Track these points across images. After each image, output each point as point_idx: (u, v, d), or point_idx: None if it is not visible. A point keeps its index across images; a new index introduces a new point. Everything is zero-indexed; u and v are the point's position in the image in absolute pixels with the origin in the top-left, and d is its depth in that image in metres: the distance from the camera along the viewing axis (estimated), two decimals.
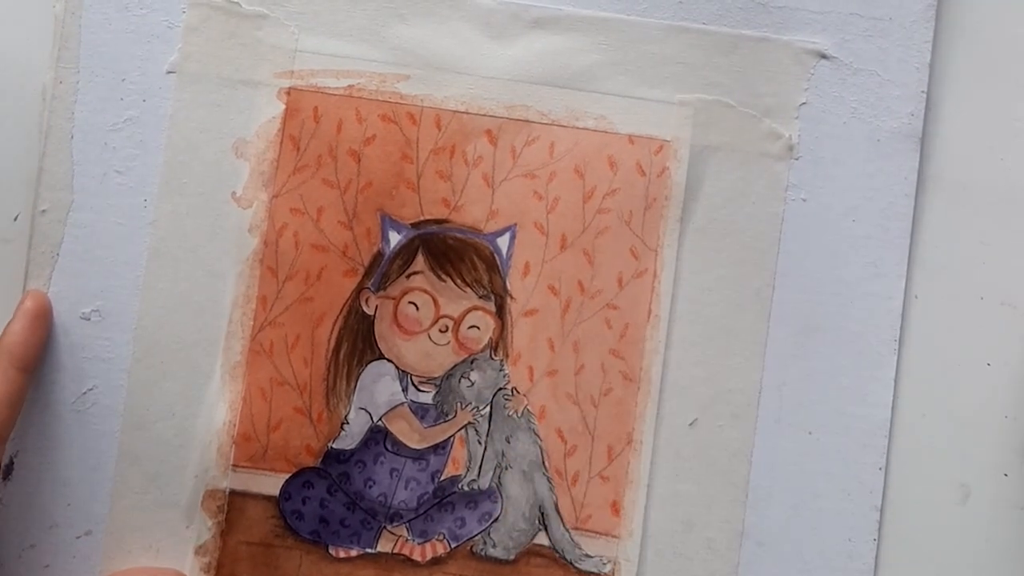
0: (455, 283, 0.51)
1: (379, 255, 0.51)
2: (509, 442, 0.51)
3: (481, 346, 0.51)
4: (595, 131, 0.51)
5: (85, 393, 0.50)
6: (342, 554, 0.50)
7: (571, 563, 0.50)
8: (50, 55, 0.50)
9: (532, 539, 0.50)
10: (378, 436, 0.51)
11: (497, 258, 0.51)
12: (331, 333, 0.50)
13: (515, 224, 0.51)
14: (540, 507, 0.50)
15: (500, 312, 0.51)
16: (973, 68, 0.52)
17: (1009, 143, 0.51)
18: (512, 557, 0.50)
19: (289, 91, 0.50)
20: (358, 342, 0.50)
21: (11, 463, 0.49)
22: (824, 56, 0.51)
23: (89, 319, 0.50)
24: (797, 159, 0.51)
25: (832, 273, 0.50)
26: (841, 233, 0.51)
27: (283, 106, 0.50)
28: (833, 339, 0.50)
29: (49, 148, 0.50)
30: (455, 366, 0.51)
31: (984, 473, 0.50)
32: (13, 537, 0.49)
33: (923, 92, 0.51)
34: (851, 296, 0.50)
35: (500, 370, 0.51)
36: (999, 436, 0.50)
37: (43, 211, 0.50)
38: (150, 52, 0.50)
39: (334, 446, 0.50)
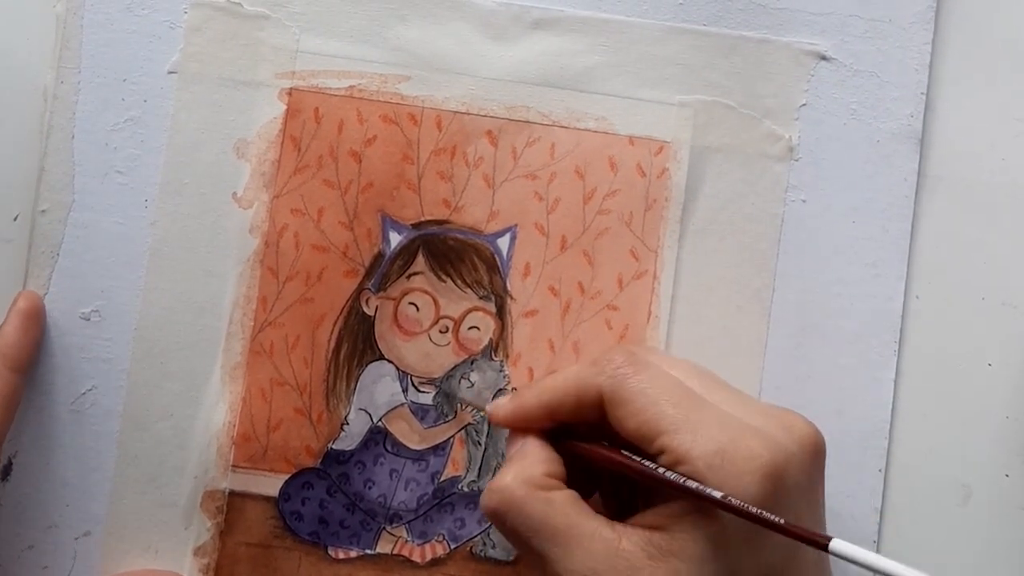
0: (455, 284, 0.51)
1: (379, 256, 0.51)
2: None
3: (481, 347, 0.51)
4: (596, 132, 0.51)
5: (84, 393, 0.50)
6: (341, 555, 0.50)
7: None
8: (51, 55, 0.50)
9: None
10: (378, 437, 0.50)
11: (497, 259, 0.51)
12: (331, 334, 0.50)
13: (515, 225, 0.51)
14: None
15: (500, 313, 0.51)
16: (973, 68, 0.52)
17: (1010, 143, 0.51)
18: (512, 558, 0.50)
19: (290, 92, 0.51)
20: (358, 343, 0.50)
21: (9, 464, 0.49)
22: (824, 57, 0.51)
23: (89, 319, 0.50)
24: (797, 160, 0.51)
25: (832, 274, 0.51)
26: (841, 234, 0.51)
27: (284, 107, 0.50)
28: (833, 340, 0.50)
29: (50, 148, 0.50)
30: (455, 367, 0.51)
31: (985, 474, 0.50)
32: (12, 538, 0.49)
33: (922, 93, 0.51)
34: (851, 297, 0.50)
35: (500, 371, 0.51)
36: (1000, 436, 0.50)
37: (43, 211, 0.50)
38: (152, 52, 0.50)
39: (334, 447, 0.50)
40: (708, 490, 0.39)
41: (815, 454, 0.42)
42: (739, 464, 0.39)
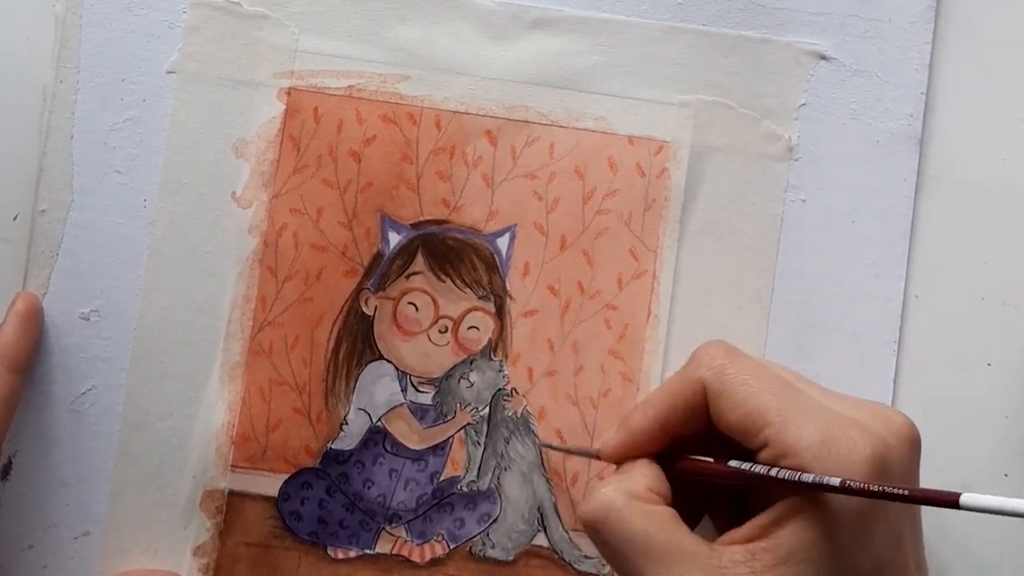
0: (455, 283, 0.51)
1: (379, 255, 0.51)
2: (508, 443, 0.50)
3: (480, 347, 0.51)
4: (595, 132, 0.51)
5: (84, 393, 0.50)
6: (340, 555, 0.50)
7: (570, 564, 0.50)
8: (51, 54, 0.50)
9: (531, 540, 0.50)
10: (377, 437, 0.50)
11: (497, 259, 0.51)
12: (330, 333, 0.50)
13: (515, 224, 0.51)
14: (539, 508, 0.50)
15: (499, 313, 0.51)
16: (973, 68, 0.52)
17: (1009, 143, 0.51)
18: (511, 558, 0.50)
19: (289, 91, 0.51)
20: (357, 342, 0.50)
21: (9, 463, 0.49)
22: (824, 57, 0.51)
23: (88, 319, 0.50)
24: (797, 160, 0.51)
25: (831, 274, 0.51)
26: (840, 234, 0.51)
27: (283, 106, 0.50)
28: (832, 340, 0.50)
29: (49, 148, 0.50)
30: (454, 367, 0.51)
31: (984, 473, 0.50)
32: (11, 538, 0.49)
33: (922, 93, 0.51)
34: (851, 297, 0.50)
35: (499, 371, 0.51)
36: (1000, 436, 0.50)
37: (42, 211, 0.50)
38: (151, 52, 0.50)
39: (333, 447, 0.50)
40: (827, 479, 0.38)
41: (913, 446, 0.42)
42: (845, 454, 0.39)
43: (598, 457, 0.45)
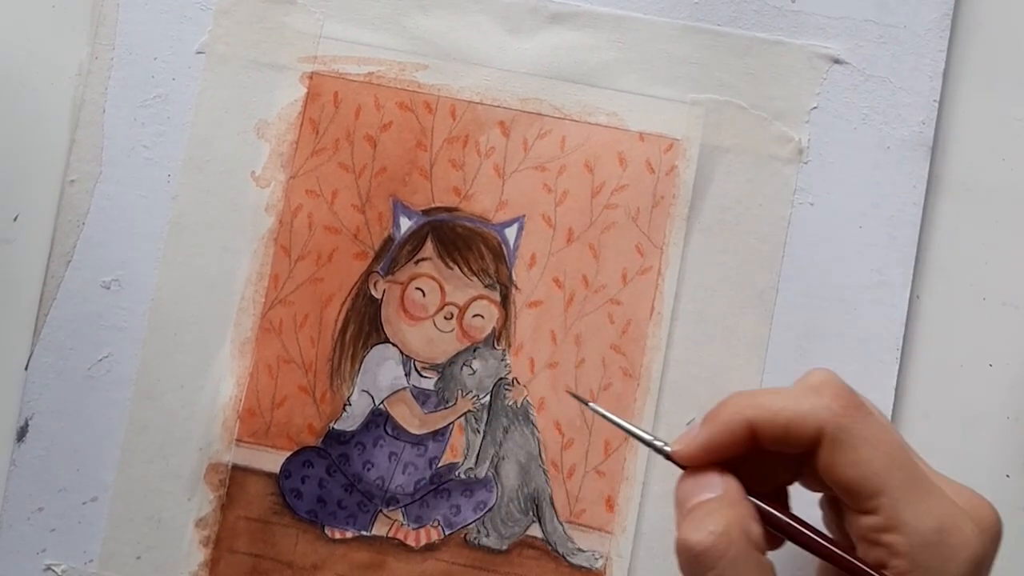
0: (462, 271, 0.51)
1: (389, 240, 0.51)
2: (507, 432, 0.51)
3: (484, 335, 0.51)
4: (606, 127, 0.51)
5: (101, 360, 0.51)
6: (337, 535, 0.50)
7: (563, 556, 0.50)
8: (87, 32, 0.52)
9: (526, 530, 0.50)
10: (379, 419, 0.51)
11: (504, 248, 0.51)
12: (339, 314, 0.51)
13: (523, 215, 0.51)
14: (535, 499, 0.50)
15: (504, 302, 0.51)
16: (985, 76, 0.51)
17: (1011, 144, 0.51)
18: (505, 547, 0.50)
19: (311, 75, 0.52)
20: (364, 324, 0.51)
21: (26, 425, 0.51)
22: (837, 61, 0.51)
23: (109, 288, 0.51)
24: (806, 163, 0.51)
25: (837, 279, 0.50)
26: (847, 239, 0.50)
27: (305, 90, 0.52)
28: (835, 344, 0.50)
29: (82, 120, 0.52)
30: (458, 353, 0.51)
31: (986, 474, 0.50)
32: (23, 499, 0.51)
33: (935, 101, 0.51)
34: (855, 302, 0.50)
35: (502, 360, 0.51)
36: (1001, 437, 0.50)
37: (72, 181, 0.52)
38: (182, 32, 0.52)
39: (335, 427, 0.51)
40: None
41: (998, 545, 0.40)
42: (954, 548, 0.38)
43: (660, 451, 0.41)
